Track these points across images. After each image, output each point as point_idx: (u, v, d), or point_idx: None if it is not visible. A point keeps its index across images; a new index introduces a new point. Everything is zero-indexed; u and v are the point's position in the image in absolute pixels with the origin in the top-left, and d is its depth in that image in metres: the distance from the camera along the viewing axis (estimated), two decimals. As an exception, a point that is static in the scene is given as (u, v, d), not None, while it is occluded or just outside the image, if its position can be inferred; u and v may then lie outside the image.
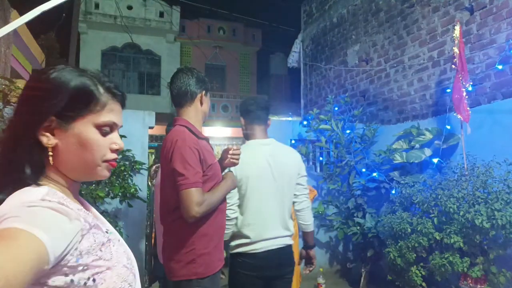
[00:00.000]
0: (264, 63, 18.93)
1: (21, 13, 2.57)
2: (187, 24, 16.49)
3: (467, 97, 3.63)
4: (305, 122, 5.15)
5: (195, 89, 1.86)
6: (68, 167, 0.83)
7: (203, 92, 1.89)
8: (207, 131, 9.88)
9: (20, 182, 0.76)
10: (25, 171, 0.77)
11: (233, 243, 2.16)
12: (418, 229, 3.30)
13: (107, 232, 0.85)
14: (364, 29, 6.00)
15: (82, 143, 0.81)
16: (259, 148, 2.21)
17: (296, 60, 8.16)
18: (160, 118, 4.59)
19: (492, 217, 2.83)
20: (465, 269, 3.02)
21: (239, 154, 1.94)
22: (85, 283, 0.72)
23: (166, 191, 1.79)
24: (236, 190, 2.09)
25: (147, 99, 15.35)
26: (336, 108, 5.28)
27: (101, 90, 0.84)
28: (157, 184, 2.72)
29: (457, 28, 3.68)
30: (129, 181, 3.89)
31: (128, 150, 4.02)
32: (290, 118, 6.86)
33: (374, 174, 4.53)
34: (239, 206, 2.16)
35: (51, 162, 0.80)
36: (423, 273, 3.37)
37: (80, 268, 0.72)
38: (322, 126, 4.89)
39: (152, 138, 7.32)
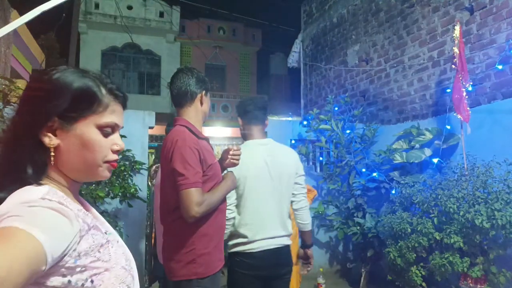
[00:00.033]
0: (264, 63, 18.93)
1: (21, 13, 2.57)
2: (187, 24, 16.49)
3: (467, 97, 3.63)
4: (305, 122, 5.15)
5: (195, 89, 1.86)
6: (69, 167, 0.83)
7: (203, 92, 1.89)
8: (207, 131, 9.89)
9: (22, 182, 0.77)
10: (26, 171, 0.78)
11: (230, 243, 2.16)
12: (418, 229, 3.30)
13: (106, 233, 0.85)
14: (364, 29, 6.00)
15: (84, 143, 0.82)
16: (256, 148, 2.22)
17: (296, 60, 8.16)
18: (160, 118, 4.59)
19: (492, 217, 2.83)
20: (465, 269, 3.02)
21: (239, 155, 1.94)
22: (82, 284, 0.72)
23: (166, 191, 1.79)
24: (234, 190, 2.09)
25: (147, 99, 15.35)
26: (336, 108, 5.28)
27: (104, 91, 0.84)
28: (157, 184, 2.72)
29: (457, 28, 3.68)
30: (129, 181, 3.90)
31: (128, 150, 4.02)
32: (290, 118, 6.86)
33: (374, 174, 4.53)
34: (237, 206, 2.16)
35: (52, 162, 0.80)
36: (423, 273, 3.37)
37: (78, 269, 0.72)
38: (322, 126, 4.89)
39: (152, 138, 7.32)
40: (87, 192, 3.35)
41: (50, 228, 0.67)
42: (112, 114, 0.85)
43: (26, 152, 0.78)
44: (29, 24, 2.38)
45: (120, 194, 3.73)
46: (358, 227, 4.53)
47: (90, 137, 0.82)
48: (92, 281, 0.74)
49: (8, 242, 0.61)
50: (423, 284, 3.37)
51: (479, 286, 3.02)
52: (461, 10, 4.28)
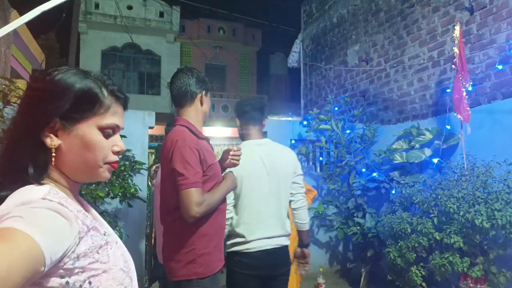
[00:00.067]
0: (264, 63, 18.93)
1: (21, 13, 2.57)
2: (187, 24, 16.49)
3: (467, 97, 3.63)
4: (305, 122, 5.15)
5: (195, 89, 1.86)
6: (70, 168, 0.83)
7: (203, 92, 1.89)
8: (207, 131, 9.89)
9: (23, 181, 0.77)
10: (27, 170, 0.78)
11: (228, 242, 2.17)
12: (418, 229, 3.30)
13: (105, 234, 0.85)
14: (364, 29, 6.00)
15: (85, 144, 0.82)
16: (254, 148, 2.22)
17: (296, 60, 8.16)
18: (160, 118, 4.59)
19: (492, 217, 2.83)
20: (465, 269, 3.02)
21: (239, 155, 1.95)
22: (80, 286, 0.73)
23: (166, 191, 1.79)
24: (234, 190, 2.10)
25: (147, 99, 15.35)
26: (336, 108, 5.28)
27: (105, 93, 0.85)
28: (157, 184, 2.72)
29: (457, 28, 3.68)
30: (129, 181, 3.90)
31: (128, 150, 4.02)
32: (290, 118, 6.86)
33: (374, 174, 4.53)
34: (234, 205, 2.17)
35: (53, 163, 0.81)
36: (423, 273, 3.37)
37: (76, 270, 0.72)
38: (322, 126, 4.89)
39: (152, 138, 7.32)
40: (87, 192, 3.35)
41: (49, 230, 0.67)
42: (113, 116, 0.86)
43: (27, 152, 0.79)
44: (29, 24, 2.38)
45: (120, 194, 3.73)
46: (358, 227, 4.53)
47: (91, 138, 0.82)
48: (90, 283, 0.74)
49: (8, 244, 0.61)
50: (423, 284, 3.37)
51: (479, 286, 3.02)
52: (461, 10, 4.28)
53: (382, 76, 5.52)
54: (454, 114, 3.68)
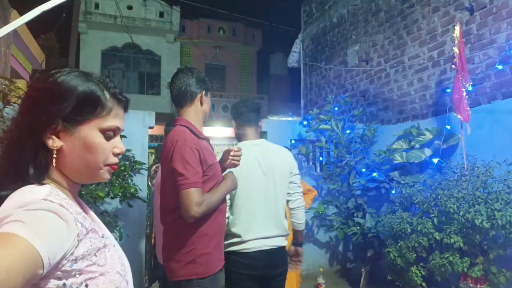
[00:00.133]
0: (264, 63, 18.94)
1: (21, 13, 2.57)
2: (187, 24, 16.49)
3: (467, 97, 3.63)
4: (305, 122, 5.14)
5: (195, 89, 1.87)
6: (71, 169, 0.84)
7: (203, 92, 1.89)
8: (207, 131, 9.88)
9: (23, 181, 0.77)
10: (28, 171, 0.78)
11: (225, 242, 2.17)
12: (418, 229, 3.30)
13: (103, 236, 0.85)
14: (364, 29, 6.00)
15: (87, 146, 0.82)
16: (250, 148, 2.23)
17: (296, 60, 8.16)
18: (160, 118, 4.58)
19: (492, 217, 2.83)
20: (465, 269, 3.02)
21: (240, 155, 1.95)
22: None
23: (166, 191, 1.79)
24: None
25: (147, 99, 15.36)
26: (336, 108, 5.28)
27: (107, 95, 0.86)
28: (157, 184, 2.72)
29: (457, 28, 3.68)
30: (129, 181, 3.89)
31: (128, 150, 4.01)
32: (290, 118, 6.86)
33: (374, 174, 4.53)
34: (230, 206, 2.17)
35: (54, 164, 0.81)
36: (423, 273, 3.37)
37: (74, 273, 0.72)
38: (322, 126, 4.89)
39: (152, 138, 7.32)
40: (87, 192, 3.35)
41: (49, 233, 0.68)
42: (115, 118, 0.86)
43: (28, 153, 0.79)
44: (29, 24, 2.38)
45: (120, 194, 3.73)
46: (358, 227, 4.52)
47: (92, 140, 0.83)
48: (86, 285, 0.75)
49: (7, 248, 0.61)
50: (423, 284, 3.37)
51: (479, 286, 3.02)
52: (461, 10, 4.28)
53: (382, 76, 5.52)
54: (454, 114, 3.68)
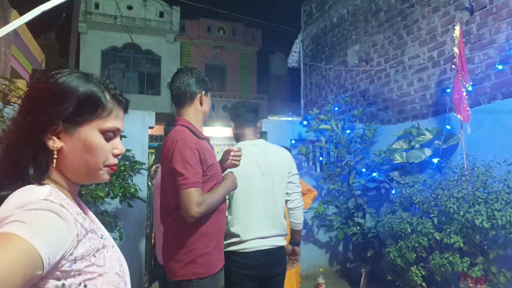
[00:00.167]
0: (264, 63, 18.94)
1: (21, 13, 2.57)
2: (187, 24, 16.49)
3: (467, 97, 3.63)
4: (305, 122, 5.14)
5: (194, 89, 1.87)
6: (71, 170, 0.84)
7: (203, 92, 1.89)
8: (207, 131, 9.88)
9: (23, 181, 0.78)
10: (28, 171, 0.79)
11: (224, 242, 2.18)
12: (418, 229, 3.30)
13: (101, 237, 0.86)
14: (364, 29, 6.00)
15: (87, 147, 0.83)
16: (248, 148, 2.24)
17: (296, 60, 8.16)
18: (160, 118, 4.58)
19: (492, 217, 2.83)
20: (465, 269, 3.02)
21: (240, 156, 1.95)
22: None
23: (166, 191, 1.79)
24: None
25: (147, 99, 15.35)
26: (336, 108, 5.28)
27: (108, 97, 0.86)
28: (157, 184, 2.73)
29: (457, 28, 3.68)
30: (129, 181, 3.89)
31: (128, 150, 4.02)
32: (290, 118, 6.86)
33: (374, 174, 4.53)
34: (229, 206, 2.18)
35: (54, 164, 0.81)
36: (423, 273, 3.37)
37: (73, 273, 0.73)
38: (322, 126, 4.89)
39: (152, 138, 7.32)
40: (87, 192, 3.34)
41: (49, 233, 0.68)
42: (115, 119, 0.87)
43: (29, 153, 0.79)
44: (29, 24, 2.38)
45: (120, 194, 3.73)
46: (358, 227, 4.52)
47: (93, 141, 0.83)
48: (85, 286, 0.75)
49: (7, 249, 0.62)
50: (423, 284, 3.37)
51: (479, 286, 3.02)
52: (461, 10, 4.28)
53: (382, 76, 5.52)
54: (454, 114, 3.68)
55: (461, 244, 3.03)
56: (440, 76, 4.53)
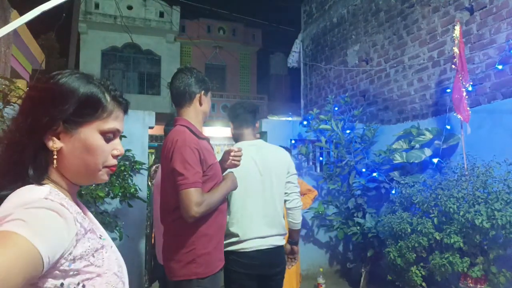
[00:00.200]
0: (264, 63, 18.94)
1: (21, 13, 2.57)
2: (187, 24, 16.49)
3: (467, 97, 3.63)
4: (305, 122, 5.14)
5: (193, 89, 1.87)
6: (70, 170, 0.84)
7: (202, 92, 1.89)
8: (207, 131, 9.88)
9: (23, 181, 0.78)
10: (28, 171, 0.79)
11: (224, 242, 2.19)
12: (418, 229, 3.30)
13: (100, 237, 0.86)
14: (364, 29, 6.00)
15: (87, 148, 0.83)
16: (246, 149, 2.24)
17: (296, 60, 8.16)
18: (160, 118, 4.59)
19: (492, 217, 2.83)
20: (465, 269, 3.02)
21: (240, 156, 1.96)
22: None
23: (166, 191, 1.79)
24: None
25: (147, 99, 15.36)
26: (336, 108, 5.28)
27: (108, 98, 0.86)
28: (157, 184, 2.72)
29: (457, 28, 3.68)
30: (129, 181, 3.89)
31: (128, 150, 4.02)
32: (290, 118, 6.86)
33: (374, 174, 4.53)
34: (228, 206, 2.18)
35: (55, 165, 0.81)
36: (423, 273, 3.37)
37: (71, 273, 0.73)
38: (322, 126, 4.89)
39: (152, 138, 7.32)
40: (87, 192, 3.34)
41: (49, 232, 0.68)
42: (115, 120, 0.87)
43: (28, 154, 0.79)
44: (29, 24, 2.38)
45: (120, 194, 3.72)
46: (358, 227, 4.52)
47: (93, 142, 0.84)
48: (83, 286, 0.75)
49: (7, 247, 0.62)
50: (423, 284, 3.37)
51: (479, 286, 3.02)
52: (461, 10, 4.28)
53: (382, 76, 5.52)
54: (454, 114, 3.68)
55: (461, 244, 3.03)
56: (440, 76, 4.53)
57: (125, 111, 0.92)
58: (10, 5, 4.25)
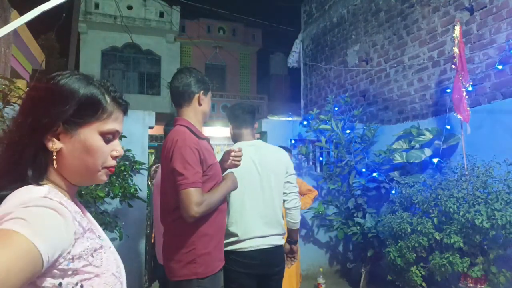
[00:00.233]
0: (264, 63, 18.94)
1: (21, 13, 2.57)
2: (187, 24, 16.49)
3: (467, 97, 3.63)
4: (305, 122, 5.14)
5: (192, 90, 1.87)
6: (69, 171, 0.84)
7: (201, 92, 1.90)
8: (207, 131, 9.89)
9: (22, 182, 0.78)
10: (27, 172, 0.79)
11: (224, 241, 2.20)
12: (418, 229, 3.30)
13: (99, 237, 0.86)
14: (364, 29, 6.00)
15: (87, 149, 0.83)
16: (245, 148, 2.24)
17: (296, 60, 8.16)
18: (160, 118, 4.59)
19: (492, 217, 2.83)
20: (465, 269, 3.02)
21: (241, 156, 1.96)
22: None
23: (166, 191, 1.79)
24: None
25: (147, 99, 15.36)
26: (336, 108, 5.28)
27: (108, 99, 0.87)
28: (157, 184, 2.72)
29: (457, 28, 3.68)
30: (129, 181, 3.89)
31: (128, 150, 4.02)
32: (290, 118, 6.86)
33: (374, 174, 4.53)
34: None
35: (55, 165, 0.82)
36: (423, 273, 3.37)
37: (70, 272, 0.73)
38: (322, 126, 4.89)
39: (152, 138, 7.32)
40: (87, 192, 3.34)
41: (48, 230, 0.69)
42: (114, 122, 0.88)
43: (28, 154, 0.80)
44: (29, 24, 2.38)
45: (120, 194, 3.73)
46: (358, 227, 4.52)
47: (92, 143, 0.84)
48: (82, 286, 0.75)
49: (8, 247, 0.62)
50: (423, 284, 3.37)
51: (479, 286, 3.02)
52: (461, 10, 4.28)
53: (382, 76, 5.52)
54: (454, 114, 3.68)
55: (461, 244, 3.03)
56: (440, 76, 4.53)
57: (125, 112, 0.93)
58: (10, 5, 4.25)
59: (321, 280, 4.46)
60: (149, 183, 4.17)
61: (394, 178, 4.29)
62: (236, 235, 2.14)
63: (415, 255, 3.36)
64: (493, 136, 3.60)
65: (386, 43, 5.45)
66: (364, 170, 4.72)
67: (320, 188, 5.13)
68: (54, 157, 0.81)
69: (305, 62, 7.79)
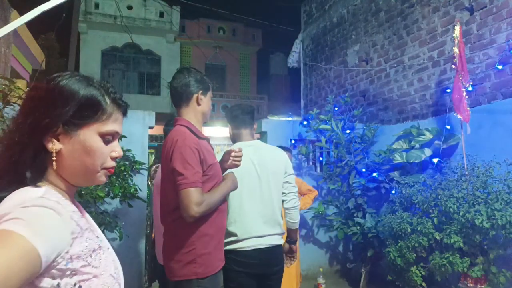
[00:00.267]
0: (264, 63, 18.93)
1: (21, 13, 2.57)
2: (187, 24, 16.49)
3: (467, 97, 3.63)
4: (305, 122, 5.14)
5: (191, 90, 1.88)
6: (69, 172, 0.85)
7: (200, 92, 1.90)
8: (207, 131, 9.88)
9: (20, 183, 0.78)
10: (26, 173, 0.79)
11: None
12: (418, 229, 3.30)
13: (98, 238, 0.86)
14: (364, 29, 6.00)
15: (86, 150, 0.84)
16: (244, 149, 2.25)
17: (296, 60, 8.16)
18: (160, 118, 4.59)
19: (492, 217, 2.83)
20: (465, 269, 3.02)
21: (241, 156, 1.96)
22: None
23: (166, 191, 1.79)
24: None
25: (147, 99, 15.36)
26: (336, 108, 5.28)
27: (108, 100, 0.87)
28: (157, 184, 2.72)
29: (457, 28, 3.68)
30: (129, 181, 3.89)
31: (128, 150, 4.02)
32: (290, 118, 6.86)
33: (374, 174, 4.53)
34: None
35: (54, 166, 0.82)
36: (423, 273, 3.37)
37: (68, 272, 0.73)
38: (322, 126, 4.89)
39: (152, 138, 7.32)
40: (87, 192, 3.34)
41: (46, 230, 0.69)
42: (114, 123, 0.88)
43: (27, 155, 0.80)
44: (29, 24, 2.38)
45: (120, 194, 3.73)
46: (358, 227, 4.52)
47: (92, 144, 0.84)
48: (80, 287, 0.75)
49: (8, 247, 0.62)
50: (423, 284, 3.37)
51: (479, 286, 3.02)
52: (461, 10, 4.28)
53: (382, 76, 5.52)
54: (454, 114, 3.68)
55: (461, 244, 3.03)
56: (440, 76, 4.53)
57: (124, 114, 0.93)
58: (10, 5, 4.25)
59: (321, 280, 4.46)
60: (149, 183, 4.17)
61: (394, 178, 4.29)
62: (235, 235, 2.15)
63: (415, 255, 3.36)
64: (493, 136, 3.60)
65: (386, 43, 5.45)
66: (364, 170, 4.72)
67: (320, 188, 5.13)
68: (54, 158, 0.81)
69: (305, 62, 7.79)
